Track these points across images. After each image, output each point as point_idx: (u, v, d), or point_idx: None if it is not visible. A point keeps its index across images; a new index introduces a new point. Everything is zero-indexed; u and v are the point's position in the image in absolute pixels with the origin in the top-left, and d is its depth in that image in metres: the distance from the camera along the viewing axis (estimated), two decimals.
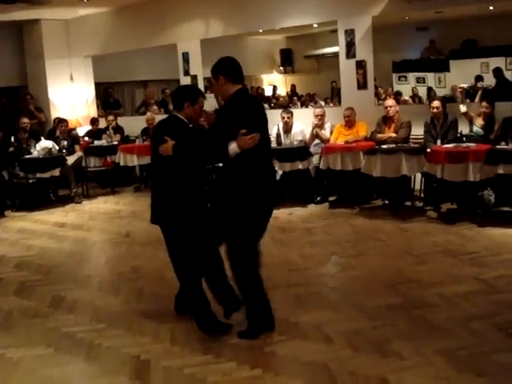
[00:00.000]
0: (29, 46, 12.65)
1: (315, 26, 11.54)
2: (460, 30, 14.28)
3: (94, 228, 8.02)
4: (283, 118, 8.79)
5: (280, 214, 7.89)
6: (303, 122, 8.96)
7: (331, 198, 8.47)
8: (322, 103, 13.84)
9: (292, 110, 9.62)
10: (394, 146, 7.52)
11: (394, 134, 7.93)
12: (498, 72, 11.69)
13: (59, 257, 6.64)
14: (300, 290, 4.95)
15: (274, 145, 8.46)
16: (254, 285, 4.05)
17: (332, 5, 9.16)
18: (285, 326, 4.19)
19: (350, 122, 8.44)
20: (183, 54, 11.00)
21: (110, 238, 7.44)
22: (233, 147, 3.81)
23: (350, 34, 8.98)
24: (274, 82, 18.08)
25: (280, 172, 8.56)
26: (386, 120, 8.14)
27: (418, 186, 7.96)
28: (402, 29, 15.10)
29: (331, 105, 13.62)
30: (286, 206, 8.29)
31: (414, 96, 14.03)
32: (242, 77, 4.06)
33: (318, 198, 8.42)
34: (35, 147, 9.63)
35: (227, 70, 4.01)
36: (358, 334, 4.00)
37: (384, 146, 7.51)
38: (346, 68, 9.14)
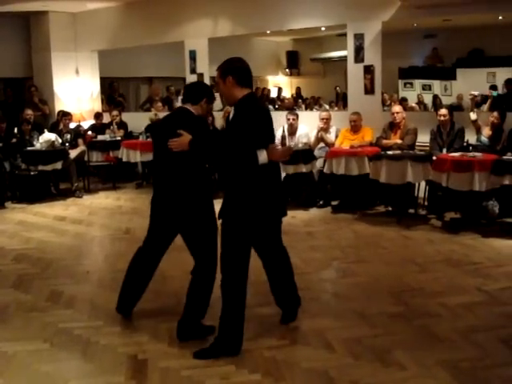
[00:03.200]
0: (35, 38, 12.61)
1: (323, 29, 11.49)
2: (467, 38, 14.23)
3: (95, 223, 7.97)
4: (288, 119, 8.75)
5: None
6: (308, 124, 8.92)
7: (334, 203, 8.42)
8: (327, 107, 13.80)
9: (297, 112, 9.57)
10: (399, 152, 7.47)
11: (399, 141, 7.89)
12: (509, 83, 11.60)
13: (58, 251, 6.59)
14: (301, 294, 4.85)
15: (278, 147, 8.40)
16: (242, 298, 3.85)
17: (342, 8, 9.11)
18: (285, 330, 4.15)
19: (355, 127, 8.40)
20: (190, 51, 10.95)
21: (109, 233, 7.39)
22: (263, 158, 3.68)
23: (359, 38, 8.93)
24: (279, 83, 18.05)
25: (283, 174, 8.52)
26: (393, 126, 8.10)
27: (421, 194, 7.93)
28: (410, 35, 15.05)
29: (336, 109, 13.58)
30: (289, 208, 8.20)
31: (420, 103, 13.98)
32: (252, 81, 3.89)
33: (321, 202, 8.38)
34: (38, 139, 9.59)
35: (237, 71, 3.80)
36: (359, 342, 3.94)
37: (389, 153, 7.46)
38: (354, 72, 9.10)
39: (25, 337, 4.21)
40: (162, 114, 9.65)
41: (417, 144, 7.98)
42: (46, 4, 10.96)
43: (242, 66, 3.86)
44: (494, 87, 11.23)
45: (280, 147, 3.85)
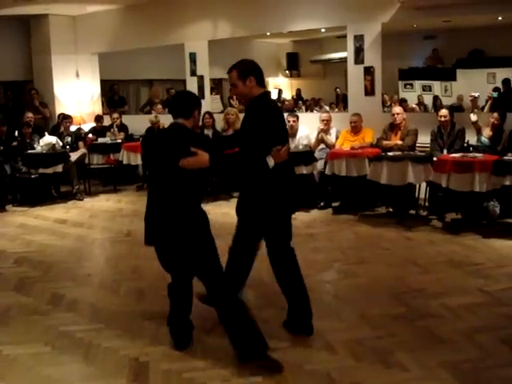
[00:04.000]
0: (36, 41, 12.61)
1: (323, 30, 11.49)
2: (467, 39, 14.24)
3: (95, 226, 7.97)
4: (289, 121, 8.74)
5: None
6: (308, 126, 8.92)
7: (335, 204, 8.42)
8: (327, 108, 13.80)
9: (297, 114, 9.57)
10: (400, 153, 7.47)
11: (400, 142, 7.88)
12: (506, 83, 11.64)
13: (59, 254, 6.59)
14: None
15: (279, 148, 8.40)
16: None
17: (342, 10, 9.11)
18: (286, 332, 4.14)
19: (356, 128, 8.40)
20: (190, 54, 10.96)
21: (110, 236, 7.39)
22: (271, 163, 3.77)
23: (359, 39, 8.94)
24: (279, 85, 18.04)
25: None
26: (393, 127, 8.10)
27: (422, 195, 7.92)
28: (410, 37, 15.06)
29: (336, 110, 13.59)
30: None
31: (420, 104, 13.98)
32: (264, 80, 4.01)
33: (322, 204, 8.37)
34: (39, 142, 9.60)
35: (256, 71, 3.92)
36: (360, 344, 3.94)
37: (390, 154, 7.46)
38: (354, 74, 9.10)
39: (26, 340, 4.21)
40: (162, 117, 9.75)
41: (417, 145, 7.98)
42: (46, 7, 10.98)
43: (258, 66, 3.98)
44: (496, 89, 11.24)
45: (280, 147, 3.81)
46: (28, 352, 4.00)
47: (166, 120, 9.99)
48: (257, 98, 3.87)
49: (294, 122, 8.76)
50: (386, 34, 8.97)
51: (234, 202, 8.94)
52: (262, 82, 3.94)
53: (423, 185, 7.78)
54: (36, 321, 4.57)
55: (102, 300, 5.03)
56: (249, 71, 3.89)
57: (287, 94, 17.78)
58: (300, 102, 15.53)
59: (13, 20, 12.17)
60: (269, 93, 4.03)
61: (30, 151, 9.53)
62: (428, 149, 7.88)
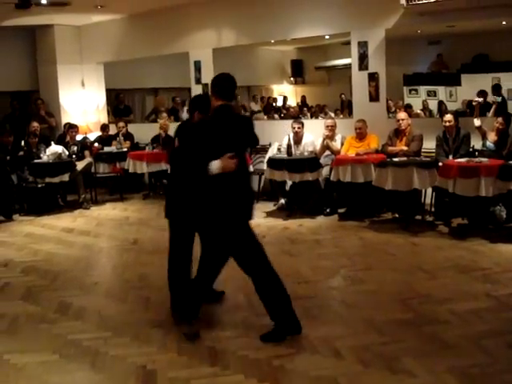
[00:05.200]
0: (41, 51, 12.69)
1: (327, 37, 11.52)
2: (472, 44, 14.27)
3: (102, 234, 7.99)
4: (294, 128, 8.76)
5: (290, 225, 7.89)
6: (313, 133, 8.93)
7: (340, 210, 8.42)
8: (332, 114, 13.82)
9: (303, 120, 9.59)
10: (405, 159, 7.47)
11: (405, 147, 7.88)
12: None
13: (66, 262, 6.61)
14: (309, 302, 4.90)
15: (284, 155, 8.44)
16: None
17: (346, 17, 9.14)
18: (293, 338, 4.14)
19: (361, 134, 8.40)
20: (195, 62, 10.99)
21: (117, 244, 7.40)
22: (216, 167, 3.97)
23: (362, 46, 8.95)
24: (284, 92, 18.10)
25: (290, 183, 8.55)
26: (398, 133, 8.10)
27: (428, 200, 7.92)
28: (414, 42, 15.11)
29: (341, 116, 13.60)
30: (296, 217, 8.27)
31: (425, 109, 13.99)
32: (230, 94, 4.17)
33: (328, 210, 8.37)
34: (45, 152, 9.63)
35: (220, 85, 4.16)
36: (367, 350, 3.93)
37: (395, 159, 7.46)
38: (359, 80, 9.11)
39: (34, 348, 4.23)
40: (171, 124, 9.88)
41: (423, 150, 7.97)
42: (51, 17, 11.04)
43: (223, 80, 4.21)
44: (497, 87, 11.20)
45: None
46: (36, 360, 4.02)
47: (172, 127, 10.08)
48: (214, 110, 4.16)
49: (298, 128, 8.77)
50: (390, 40, 8.99)
51: None
52: (223, 95, 4.13)
53: (429, 190, 7.77)
54: (44, 329, 4.59)
55: (109, 308, 5.05)
56: (213, 85, 4.19)
57: (292, 101, 17.84)
58: (305, 109, 15.57)
59: (19, 30, 12.25)
60: (226, 106, 4.16)
61: (36, 161, 9.57)
62: (433, 154, 7.88)
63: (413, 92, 15.42)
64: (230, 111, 4.24)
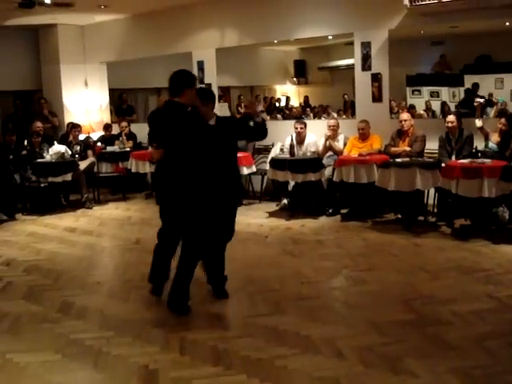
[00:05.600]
0: (44, 51, 12.71)
1: (330, 37, 11.52)
2: (475, 45, 14.23)
3: (105, 234, 8.00)
4: (296, 128, 8.77)
5: (292, 225, 7.89)
6: (316, 133, 8.92)
7: (343, 211, 8.41)
8: (335, 115, 13.82)
9: (305, 121, 9.58)
10: (408, 159, 7.46)
11: (408, 148, 7.88)
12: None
13: (69, 262, 6.62)
14: (311, 303, 4.90)
15: (287, 156, 8.44)
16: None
17: (349, 17, 9.13)
18: (296, 339, 4.14)
19: (364, 135, 8.40)
20: (198, 62, 10.98)
21: (120, 244, 7.41)
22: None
23: (366, 46, 8.94)
24: (287, 92, 18.09)
25: (292, 183, 8.54)
26: (401, 134, 8.09)
27: (431, 201, 7.90)
28: (417, 43, 15.08)
29: (344, 117, 13.59)
30: (298, 217, 8.26)
31: (428, 110, 13.98)
32: (172, 90, 4.74)
33: (330, 211, 8.36)
34: (48, 151, 9.64)
35: (170, 84, 4.80)
36: (369, 350, 3.93)
37: (398, 160, 7.45)
38: (362, 80, 9.10)
39: (36, 348, 4.23)
40: None
41: (425, 151, 7.97)
42: (54, 17, 11.05)
43: (171, 79, 4.81)
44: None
45: None
46: (38, 360, 4.02)
47: None
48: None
49: (301, 128, 8.77)
50: (394, 41, 8.97)
51: (242, 210, 9.01)
52: (170, 92, 4.79)
53: (432, 191, 7.76)
54: (46, 329, 4.59)
55: (111, 308, 5.05)
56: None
57: (295, 101, 17.83)
58: (308, 109, 15.56)
59: (22, 30, 12.28)
60: (166, 101, 4.91)
61: (39, 160, 9.58)
62: (436, 155, 7.87)
63: (416, 93, 15.40)
64: (163, 108, 4.91)
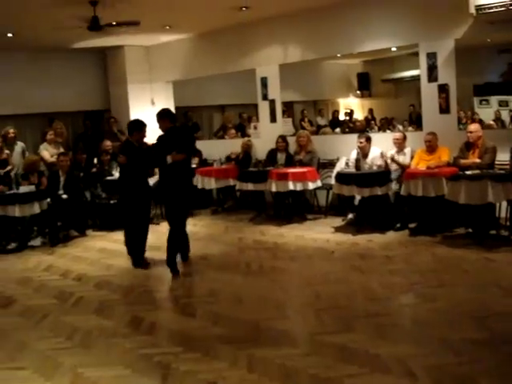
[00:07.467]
0: (112, 71, 13.11)
1: (394, 49, 11.38)
2: None
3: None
4: (358, 143, 8.68)
5: (359, 241, 7.78)
6: (381, 146, 8.79)
7: (411, 225, 8.22)
8: (401, 127, 13.59)
9: (369, 134, 9.46)
10: (478, 172, 7.25)
11: (478, 160, 7.65)
12: None
13: (138, 277, 6.75)
14: (380, 320, 4.79)
15: (352, 170, 8.35)
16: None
17: (413, 28, 8.99)
18: (365, 357, 4.05)
19: (431, 147, 8.21)
20: (262, 78, 11.06)
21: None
22: (169, 160, 6.71)
23: (431, 57, 8.77)
24: (350, 105, 17.94)
25: (358, 197, 8.42)
26: (469, 145, 7.86)
27: (503, 214, 7.64)
28: (484, 51, 14.66)
29: (410, 129, 13.35)
30: (365, 232, 8.14)
31: (497, 120, 13.58)
32: (173, 120, 7.18)
33: (398, 225, 8.20)
34: (117, 169, 9.88)
35: (167, 116, 7.14)
36: (442, 370, 3.80)
37: (468, 172, 7.25)
38: (428, 92, 8.92)
39: (106, 362, 4.31)
40: (236, 141, 10.08)
41: (496, 163, 7.72)
42: (121, 39, 11.38)
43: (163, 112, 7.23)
44: None
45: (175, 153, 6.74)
46: (108, 375, 4.09)
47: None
48: (168, 129, 7.01)
49: (361, 143, 8.66)
50: (459, 50, 8.76)
51: (308, 225, 8.97)
52: (171, 120, 7.09)
53: (504, 204, 7.51)
54: (116, 343, 4.67)
55: (179, 323, 5.10)
56: (165, 116, 7.15)
57: (359, 115, 17.66)
58: (372, 122, 15.39)
59: (90, 52, 12.71)
60: (173, 127, 7.09)
61: (108, 178, 9.84)
62: (507, 166, 7.61)
63: (483, 102, 15.01)
64: (175, 129, 7.11)
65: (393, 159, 8.51)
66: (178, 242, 6.94)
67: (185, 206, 7.03)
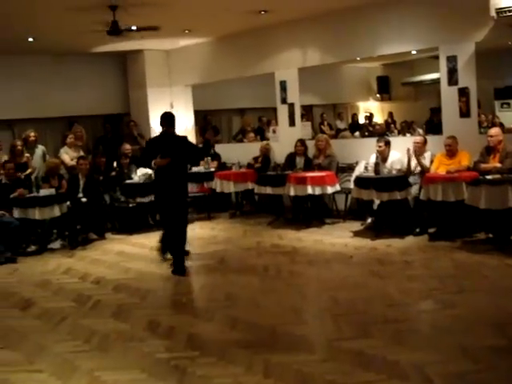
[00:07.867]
0: (132, 75, 13.19)
1: (414, 52, 11.31)
2: None
3: (190, 253, 8.08)
4: (377, 146, 8.62)
5: (378, 245, 7.72)
6: (401, 150, 8.72)
7: (431, 230, 8.14)
8: (421, 131, 13.47)
9: (389, 138, 9.39)
10: (499, 176, 7.16)
11: (498, 164, 7.55)
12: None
13: (156, 281, 6.76)
14: (399, 326, 4.74)
15: (371, 174, 8.30)
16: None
17: (433, 31, 8.92)
18: (383, 364, 4.00)
19: (451, 152, 8.12)
20: (281, 82, 11.04)
21: (204, 263, 7.48)
22: (153, 163, 6.94)
23: (452, 60, 8.69)
24: (370, 109, 17.87)
25: (377, 202, 8.37)
26: (490, 150, 7.77)
27: None
28: (505, 54, 14.51)
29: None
30: (384, 237, 8.07)
31: None
32: (167, 125, 7.13)
33: (417, 230, 8.12)
34: (136, 173, 9.95)
35: (163, 120, 7.14)
36: (461, 378, 3.75)
37: (489, 177, 7.16)
38: (448, 95, 8.84)
39: (123, 366, 4.31)
40: (255, 145, 10.12)
41: None
42: (141, 43, 11.44)
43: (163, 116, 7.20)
44: None
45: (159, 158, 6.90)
46: (125, 378, 4.09)
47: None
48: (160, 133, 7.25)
49: (379, 147, 8.60)
50: (480, 53, 8.68)
51: (326, 229, 8.94)
52: (166, 125, 7.11)
53: None
54: (133, 347, 4.68)
55: (196, 327, 5.10)
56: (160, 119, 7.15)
57: (378, 118, 17.58)
58: (392, 126, 15.29)
59: (111, 56, 12.81)
60: (165, 131, 7.15)
61: (127, 181, 9.90)
62: None
63: (505, 106, 14.86)
64: (165, 134, 7.13)
65: (415, 155, 8.40)
66: (171, 244, 7.19)
67: (173, 212, 7.02)
